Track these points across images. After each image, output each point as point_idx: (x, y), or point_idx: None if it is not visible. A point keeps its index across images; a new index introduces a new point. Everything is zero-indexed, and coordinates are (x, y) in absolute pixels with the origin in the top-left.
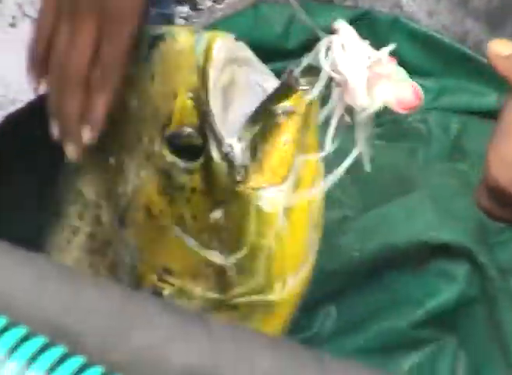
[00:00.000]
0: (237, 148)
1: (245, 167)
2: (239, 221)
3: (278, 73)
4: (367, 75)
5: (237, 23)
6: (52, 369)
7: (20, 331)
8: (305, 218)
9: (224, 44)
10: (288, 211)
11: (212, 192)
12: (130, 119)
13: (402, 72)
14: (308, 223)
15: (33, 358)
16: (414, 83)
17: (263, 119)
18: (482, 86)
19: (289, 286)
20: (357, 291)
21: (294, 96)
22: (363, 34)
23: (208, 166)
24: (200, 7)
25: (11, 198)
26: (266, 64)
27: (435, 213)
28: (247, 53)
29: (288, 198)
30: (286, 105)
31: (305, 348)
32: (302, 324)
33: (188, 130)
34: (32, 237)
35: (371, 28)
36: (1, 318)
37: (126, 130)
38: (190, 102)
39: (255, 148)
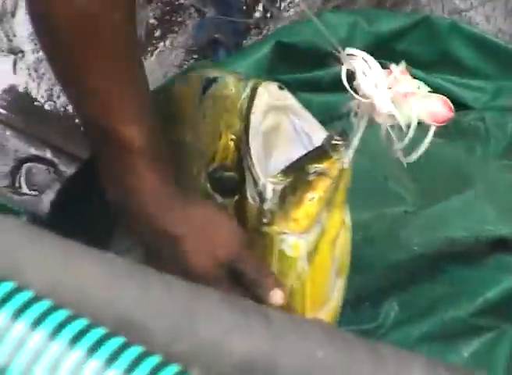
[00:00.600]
0: (270, 190)
1: (272, 212)
2: (263, 260)
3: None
4: (390, 95)
5: (302, 29)
6: (131, 368)
7: (100, 332)
8: (327, 263)
9: (266, 92)
10: (310, 256)
11: (241, 225)
12: (184, 153)
13: (423, 86)
14: (330, 267)
15: (113, 359)
16: (441, 96)
17: (296, 174)
18: None
19: None
20: (419, 283)
21: (328, 161)
22: (423, 38)
23: (241, 204)
24: (268, 15)
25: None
26: (331, 68)
27: (492, 208)
28: (292, 102)
29: (309, 246)
30: (319, 166)
31: (360, 338)
32: (368, 315)
33: (227, 167)
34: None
35: (431, 32)
36: (82, 320)
37: (180, 162)
38: (231, 143)
39: (284, 197)
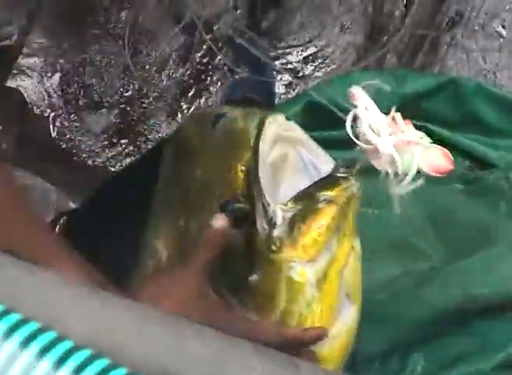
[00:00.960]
0: (280, 216)
1: (281, 239)
2: (272, 287)
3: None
4: (393, 141)
5: (332, 88)
6: None
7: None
8: (336, 289)
9: (275, 122)
10: (319, 283)
11: (252, 256)
12: (195, 187)
13: (425, 137)
14: (339, 292)
15: None
16: (443, 149)
17: (305, 202)
18: None
19: (323, 348)
20: (444, 337)
21: (337, 188)
22: (449, 99)
23: (251, 235)
24: (300, 75)
25: (109, 253)
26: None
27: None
28: (300, 133)
29: (318, 274)
30: (328, 194)
31: None
32: (396, 368)
33: (238, 199)
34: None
35: (457, 93)
36: (118, 368)
37: (192, 196)
38: (241, 175)
39: (293, 225)
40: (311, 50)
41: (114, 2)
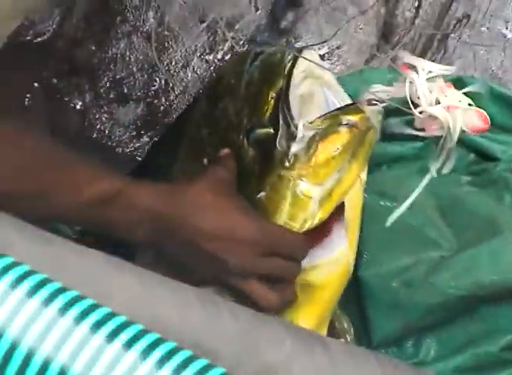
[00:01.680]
0: (301, 131)
1: (296, 156)
2: (276, 202)
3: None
4: (441, 106)
5: (343, 84)
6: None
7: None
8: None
9: (309, 55)
10: (323, 201)
11: (263, 175)
12: (225, 122)
13: (464, 99)
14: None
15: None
16: (479, 110)
17: (328, 122)
18: None
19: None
20: (455, 323)
21: (359, 115)
22: None
23: (268, 153)
24: None
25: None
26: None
27: None
28: (329, 75)
29: (324, 193)
30: (350, 118)
31: (410, 366)
32: (410, 352)
33: (263, 122)
34: None
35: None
36: (169, 342)
37: (221, 131)
38: (272, 101)
39: (311, 143)
40: (327, 49)
41: (143, 2)
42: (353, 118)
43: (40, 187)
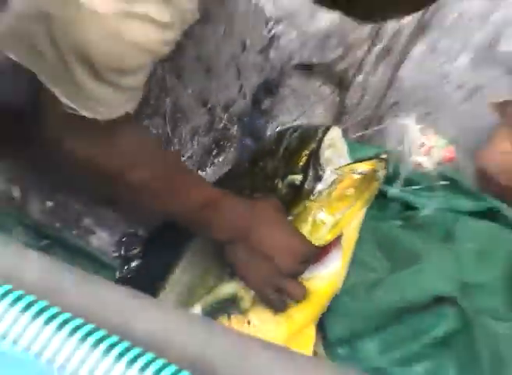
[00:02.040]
0: (328, 173)
1: (320, 192)
2: (298, 225)
3: None
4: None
5: (355, 149)
6: None
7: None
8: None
9: (334, 131)
10: (331, 227)
11: (292, 206)
12: (264, 173)
13: (440, 140)
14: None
15: None
16: (450, 147)
17: (347, 169)
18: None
19: (324, 277)
20: (389, 328)
21: (370, 165)
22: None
23: (298, 193)
24: None
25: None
26: None
27: (434, 277)
28: (345, 151)
29: (334, 221)
30: (363, 168)
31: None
32: (358, 349)
33: (295, 171)
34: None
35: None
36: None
37: (262, 179)
38: (305, 157)
39: (331, 185)
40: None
41: (161, 91)
42: (364, 168)
43: (172, 187)
